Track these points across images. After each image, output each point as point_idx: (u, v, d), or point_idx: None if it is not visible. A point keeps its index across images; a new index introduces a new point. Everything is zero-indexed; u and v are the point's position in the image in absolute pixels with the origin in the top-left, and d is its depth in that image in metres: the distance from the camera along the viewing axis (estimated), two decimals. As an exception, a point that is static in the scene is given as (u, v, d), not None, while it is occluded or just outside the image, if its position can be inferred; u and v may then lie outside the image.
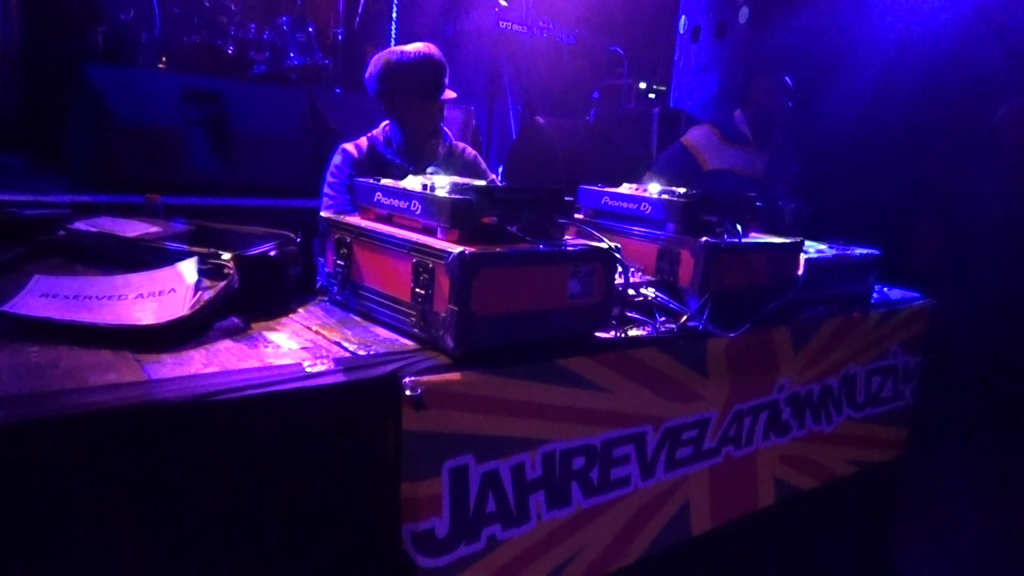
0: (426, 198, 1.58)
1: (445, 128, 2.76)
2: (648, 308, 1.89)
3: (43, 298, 1.45)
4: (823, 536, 2.52)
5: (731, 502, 2.07)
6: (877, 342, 2.46)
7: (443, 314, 1.45)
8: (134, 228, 1.85)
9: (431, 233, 1.55)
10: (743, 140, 3.83)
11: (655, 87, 6.28)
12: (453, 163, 2.72)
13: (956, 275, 3.74)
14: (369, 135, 2.71)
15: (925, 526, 3.09)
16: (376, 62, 2.58)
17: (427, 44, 2.60)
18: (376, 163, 2.61)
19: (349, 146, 2.68)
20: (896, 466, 2.71)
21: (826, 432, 2.35)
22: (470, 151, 2.88)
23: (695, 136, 3.95)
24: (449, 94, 2.62)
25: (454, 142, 2.82)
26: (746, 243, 1.99)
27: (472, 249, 1.42)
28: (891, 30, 4.18)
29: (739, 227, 1.98)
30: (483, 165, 2.92)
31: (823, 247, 2.41)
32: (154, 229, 1.87)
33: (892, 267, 2.65)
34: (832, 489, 2.42)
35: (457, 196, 1.54)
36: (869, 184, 4.12)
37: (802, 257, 2.17)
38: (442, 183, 1.62)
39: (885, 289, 2.64)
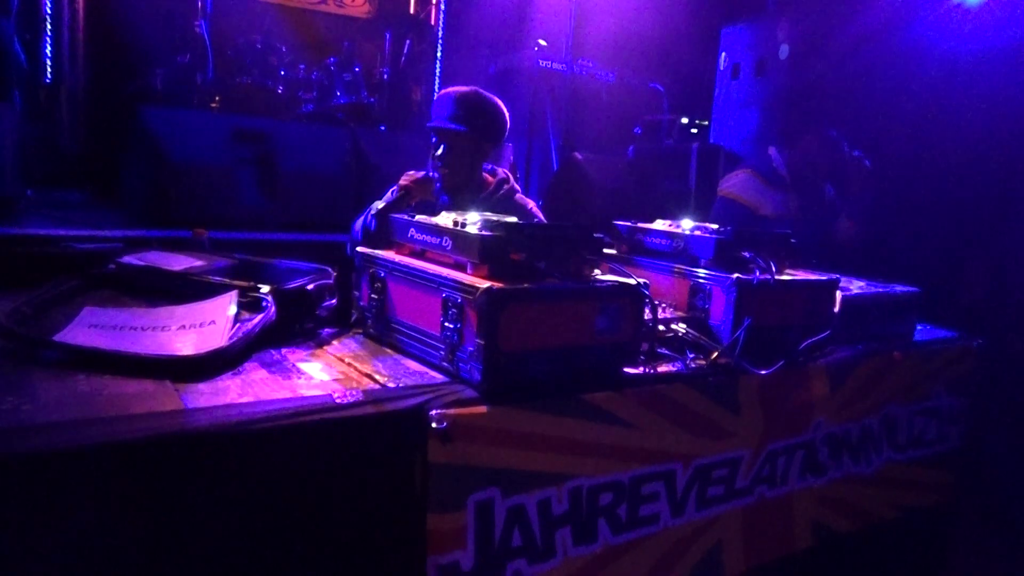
0: (456, 234, 1.62)
1: (505, 172, 2.72)
2: (679, 344, 1.89)
3: (91, 328, 1.52)
4: (865, 582, 2.44)
5: (766, 544, 2.03)
6: (919, 382, 2.40)
7: (471, 348, 1.47)
8: (180, 262, 1.93)
9: (461, 269, 1.58)
10: (781, 182, 3.70)
11: (697, 122, 6.29)
12: (494, 207, 2.61)
13: (1009, 315, 3.62)
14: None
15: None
16: None
17: (466, 85, 2.65)
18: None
19: (412, 172, 2.74)
20: (944, 511, 2.62)
21: (866, 474, 2.29)
22: (525, 200, 2.79)
23: (735, 184, 3.76)
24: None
25: (508, 188, 2.74)
26: (779, 280, 1.97)
27: (499, 285, 1.45)
28: (936, 64, 4.12)
29: (773, 264, 1.97)
30: (538, 216, 2.82)
31: (863, 284, 2.38)
32: (199, 263, 1.95)
33: (939, 306, 2.59)
34: (874, 534, 2.35)
35: (486, 233, 1.57)
36: (916, 220, 4.04)
37: (839, 295, 2.15)
38: (473, 219, 1.66)
39: (928, 328, 2.58)
